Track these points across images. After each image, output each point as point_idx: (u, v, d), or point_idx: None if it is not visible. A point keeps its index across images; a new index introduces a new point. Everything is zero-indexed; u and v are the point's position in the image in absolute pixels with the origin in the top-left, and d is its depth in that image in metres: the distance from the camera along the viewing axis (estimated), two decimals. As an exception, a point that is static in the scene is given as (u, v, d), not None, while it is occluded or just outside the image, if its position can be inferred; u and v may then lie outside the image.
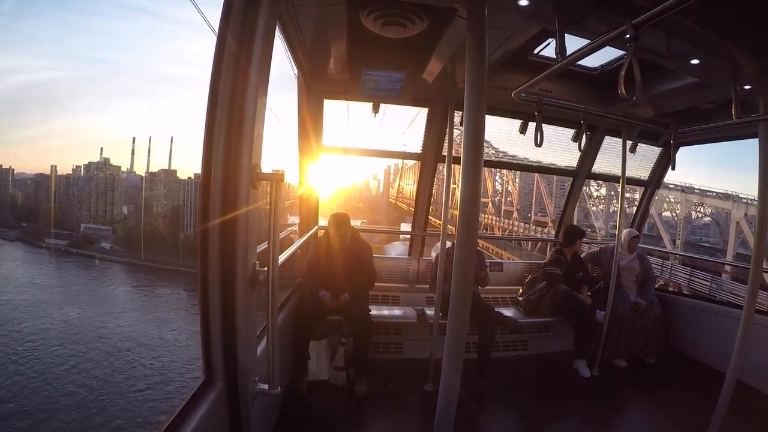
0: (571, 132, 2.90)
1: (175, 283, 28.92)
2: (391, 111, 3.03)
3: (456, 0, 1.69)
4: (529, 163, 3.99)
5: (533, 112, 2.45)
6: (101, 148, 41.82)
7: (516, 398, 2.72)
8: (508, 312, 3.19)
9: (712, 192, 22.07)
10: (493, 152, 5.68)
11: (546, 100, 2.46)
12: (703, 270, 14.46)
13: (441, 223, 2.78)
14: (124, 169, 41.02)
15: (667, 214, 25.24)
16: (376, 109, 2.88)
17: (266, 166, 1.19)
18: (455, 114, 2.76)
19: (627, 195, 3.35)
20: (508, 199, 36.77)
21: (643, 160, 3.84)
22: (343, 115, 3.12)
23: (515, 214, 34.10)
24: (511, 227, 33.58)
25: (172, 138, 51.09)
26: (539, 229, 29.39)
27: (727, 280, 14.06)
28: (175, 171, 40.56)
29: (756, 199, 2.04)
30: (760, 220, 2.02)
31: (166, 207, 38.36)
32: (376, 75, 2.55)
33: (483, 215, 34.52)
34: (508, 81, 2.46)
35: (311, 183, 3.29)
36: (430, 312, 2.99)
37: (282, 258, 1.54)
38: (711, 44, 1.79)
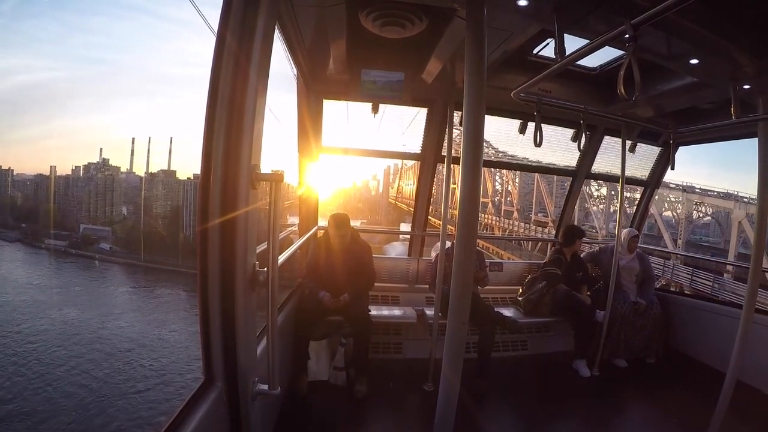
0: (570, 132, 2.89)
1: (175, 284, 28.92)
2: (390, 111, 3.02)
3: (455, 0, 1.69)
4: (529, 163, 3.98)
5: (533, 112, 2.45)
6: (101, 149, 42.20)
7: (516, 398, 2.72)
8: (507, 312, 3.19)
9: (713, 191, 22.09)
10: (493, 152, 5.67)
11: (545, 100, 2.46)
12: (705, 270, 14.41)
13: (440, 223, 2.78)
14: (123, 169, 41.17)
15: (667, 213, 25.26)
16: (375, 110, 2.87)
17: (266, 166, 1.19)
18: (455, 114, 2.77)
19: (627, 195, 3.35)
20: (509, 199, 36.79)
21: (642, 159, 3.84)
22: (343, 116, 3.12)
23: (515, 214, 34.11)
24: (511, 227, 33.59)
25: (171, 138, 51.09)
26: (539, 229, 29.39)
27: (729, 280, 13.99)
28: (175, 171, 40.63)
29: (755, 198, 2.05)
30: (759, 220, 2.02)
31: (165, 207, 38.33)
32: (375, 75, 2.56)
33: (483, 215, 34.54)
34: (507, 81, 2.46)
35: (311, 183, 3.29)
36: (429, 312, 2.99)
37: (282, 258, 1.55)
38: (710, 44, 1.79)
